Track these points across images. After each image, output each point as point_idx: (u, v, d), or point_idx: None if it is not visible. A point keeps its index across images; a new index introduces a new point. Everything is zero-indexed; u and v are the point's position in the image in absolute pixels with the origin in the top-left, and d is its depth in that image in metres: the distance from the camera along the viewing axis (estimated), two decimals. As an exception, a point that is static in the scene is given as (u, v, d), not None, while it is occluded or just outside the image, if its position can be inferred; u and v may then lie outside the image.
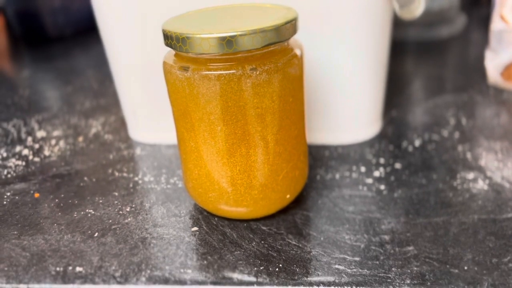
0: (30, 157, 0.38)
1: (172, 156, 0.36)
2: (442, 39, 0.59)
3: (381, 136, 0.37)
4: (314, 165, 0.34)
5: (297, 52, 0.26)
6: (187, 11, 0.28)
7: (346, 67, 0.33)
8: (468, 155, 0.33)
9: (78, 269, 0.26)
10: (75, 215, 0.30)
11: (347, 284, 0.23)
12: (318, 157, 0.34)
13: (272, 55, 0.24)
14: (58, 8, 0.72)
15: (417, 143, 0.35)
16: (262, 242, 0.26)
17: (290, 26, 0.24)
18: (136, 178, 0.34)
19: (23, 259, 0.27)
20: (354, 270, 0.24)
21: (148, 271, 0.25)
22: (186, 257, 0.26)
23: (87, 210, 0.31)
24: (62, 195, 0.32)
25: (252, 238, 0.27)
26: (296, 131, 0.27)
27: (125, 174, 0.34)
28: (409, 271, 0.24)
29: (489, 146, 0.34)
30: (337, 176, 0.32)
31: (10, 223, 0.30)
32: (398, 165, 0.33)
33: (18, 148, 0.39)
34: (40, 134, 0.42)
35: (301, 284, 0.23)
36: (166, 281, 0.24)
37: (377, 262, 0.24)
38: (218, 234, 0.27)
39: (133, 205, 0.31)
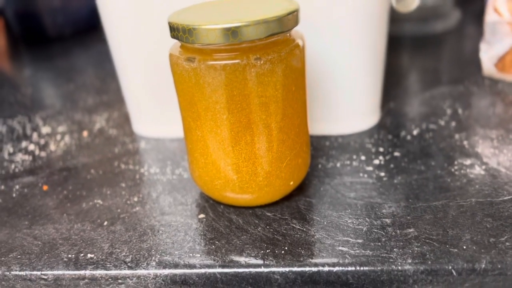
0: (37, 152, 0.39)
1: (176, 149, 0.37)
2: (437, 33, 0.60)
3: (380, 126, 0.38)
4: (315, 155, 0.34)
5: (299, 42, 0.27)
6: (190, 5, 0.29)
7: (346, 60, 0.34)
8: (465, 143, 0.34)
9: (89, 255, 0.26)
10: (84, 205, 0.31)
11: (351, 264, 0.24)
12: (319, 147, 0.35)
13: (275, 45, 0.25)
14: (57, 8, 0.73)
15: (415, 132, 0.36)
16: (268, 227, 0.27)
17: (292, 17, 0.25)
18: (142, 170, 0.34)
19: (35, 247, 0.27)
20: (357, 251, 0.25)
21: (158, 256, 0.26)
22: (194, 243, 0.27)
23: (95, 201, 0.31)
24: (70, 187, 0.33)
25: (258, 224, 0.28)
26: (299, 120, 0.28)
27: (131, 167, 0.35)
28: (410, 251, 0.25)
29: (485, 134, 0.35)
30: (338, 164, 0.33)
31: (21, 214, 0.31)
32: (397, 153, 0.34)
33: (24, 144, 0.40)
34: (45, 130, 0.43)
35: (307, 265, 0.24)
36: (175, 265, 0.25)
37: (379, 244, 0.25)
38: (224, 221, 0.28)
39: (140, 195, 0.31)
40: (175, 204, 0.30)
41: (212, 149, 0.27)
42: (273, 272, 0.24)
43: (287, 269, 0.24)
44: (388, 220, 0.27)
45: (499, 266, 0.23)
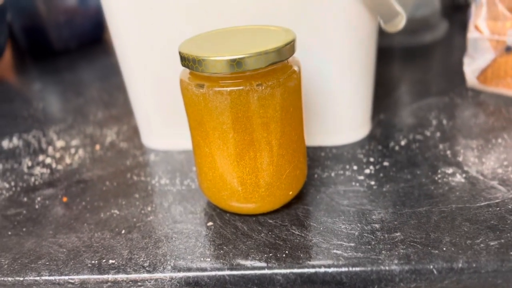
0: (54, 165, 0.42)
1: (183, 161, 0.40)
2: (425, 44, 0.64)
3: (371, 137, 0.41)
4: (312, 165, 0.38)
5: (296, 68, 0.30)
6: (197, 34, 0.32)
7: (338, 77, 0.37)
8: (448, 152, 0.38)
9: (110, 261, 0.29)
10: (102, 215, 0.34)
11: (344, 265, 0.27)
12: (315, 158, 0.39)
13: (275, 72, 0.29)
14: (63, 22, 0.76)
15: (403, 142, 0.40)
16: (270, 233, 0.31)
17: (289, 47, 0.28)
18: (153, 181, 0.38)
19: (61, 254, 0.31)
20: (350, 254, 0.28)
21: (173, 261, 0.29)
22: (204, 248, 0.30)
23: (112, 211, 0.34)
24: (88, 199, 0.36)
25: (261, 230, 0.31)
26: (296, 136, 0.31)
27: (142, 178, 0.38)
28: (396, 253, 0.28)
29: (467, 144, 0.38)
30: (333, 174, 0.36)
31: (45, 224, 0.34)
32: (386, 163, 0.37)
33: (41, 157, 0.43)
34: (60, 143, 0.46)
35: (305, 267, 0.28)
36: (189, 269, 0.28)
37: (369, 247, 0.29)
38: (231, 228, 0.31)
39: (153, 205, 0.35)
40: (185, 213, 0.33)
41: (219, 164, 0.30)
42: (276, 274, 0.28)
43: (288, 270, 0.28)
44: (377, 225, 0.30)
45: (474, 265, 0.27)
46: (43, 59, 0.76)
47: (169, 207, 0.34)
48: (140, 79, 0.39)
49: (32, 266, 0.30)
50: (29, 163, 0.42)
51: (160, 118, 0.41)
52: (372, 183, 0.35)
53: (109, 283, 0.28)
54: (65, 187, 0.38)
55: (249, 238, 0.30)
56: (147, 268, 0.29)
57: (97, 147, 0.44)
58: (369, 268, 0.27)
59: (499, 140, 0.38)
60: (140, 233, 0.32)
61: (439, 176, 0.35)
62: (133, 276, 0.28)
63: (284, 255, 0.28)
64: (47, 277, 0.29)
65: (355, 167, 0.37)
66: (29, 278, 0.29)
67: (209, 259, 0.29)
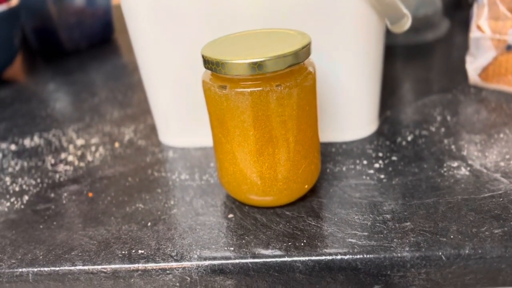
0: (76, 163, 0.44)
1: (201, 157, 0.42)
2: (428, 42, 0.66)
3: (379, 134, 0.43)
4: (324, 160, 0.40)
5: (311, 69, 0.32)
6: (218, 38, 0.34)
7: (348, 77, 0.39)
8: (453, 147, 0.40)
9: (140, 251, 0.32)
10: (128, 209, 0.36)
11: (359, 252, 0.29)
12: (327, 153, 0.41)
13: (292, 73, 0.31)
14: (73, 23, 0.78)
15: (409, 138, 0.42)
16: (288, 224, 0.33)
17: (305, 50, 0.30)
18: (173, 177, 0.40)
19: (92, 246, 0.33)
20: (364, 242, 0.30)
21: (198, 250, 0.31)
22: (227, 238, 0.32)
23: (137, 205, 0.36)
24: (113, 194, 0.38)
25: (279, 221, 0.33)
26: (312, 133, 0.33)
27: (163, 174, 0.40)
28: (407, 241, 0.30)
29: (470, 138, 0.41)
30: (344, 168, 0.38)
31: (73, 218, 0.36)
32: (394, 158, 0.39)
33: (63, 155, 0.45)
34: (80, 142, 0.48)
35: (323, 254, 0.30)
36: (214, 258, 0.30)
37: (382, 235, 0.31)
38: (250, 219, 0.33)
39: (176, 199, 0.37)
40: (206, 206, 0.35)
41: (240, 160, 0.32)
42: (295, 261, 0.30)
43: (307, 258, 0.30)
44: (388, 216, 0.32)
45: (479, 252, 0.29)
46: (54, 59, 0.78)
47: (191, 201, 0.36)
48: (159, 80, 0.41)
49: (66, 257, 0.32)
50: (52, 161, 0.44)
51: (178, 117, 0.43)
52: (382, 176, 0.37)
53: (139, 272, 0.30)
54: (89, 183, 0.40)
55: (268, 229, 0.32)
56: (174, 257, 0.31)
57: (116, 144, 0.46)
58: (382, 255, 0.29)
59: (501, 135, 0.40)
60: (166, 225, 0.34)
61: (444, 169, 0.37)
62: (162, 264, 0.30)
63: (302, 244, 0.31)
64: (81, 267, 0.31)
65: (365, 162, 0.39)
66: (64, 268, 0.31)
67: (232, 248, 0.31)
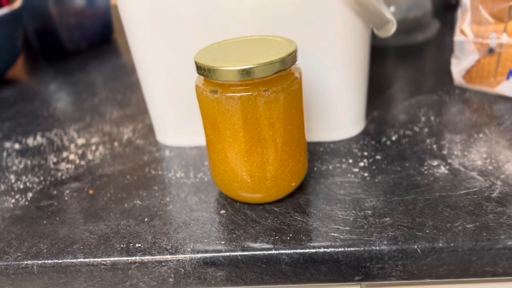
0: (77, 161, 0.46)
1: (196, 156, 0.44)
2: (418, 43, 0.68)
3: (365, 133, 0.45)
4: (312, 159, 0.42)
5: (297, 75, 0.34)
6: (210, 44, 0.36)
7: (335, 79, 0.42)
8: (434, 146, 0.42)
9: (137, 245, 0.34)
10: (126, 205, 0.38)
11: (340, 246, 0.32)
12: (315, 152, 0.43)
13: (279, 79, 0.33)
14: (73, 24, 0.80)
15: (394, 138, 0.44)
16: (276, 219, 0.35)
17: (292, 57, 0.32)
18: (169, 175, 0.42)
19: (92, 240, 0.35)
20: (346, 236, 0.32)
21: (192, 244, 0.33)
22: (219, 232, 0.34)
23: (135, 202, 0.39)
24: (112, 191, 0.41)
25: (268, 217, 0.35)
26: (298, 134, 0.35)
27: (160, 172, 0.42)
28: (386, 235, 0.32)
29: (451, 138, 0.43)
30: (330, 167, 0.41)
31: (75, 214, 0.38)
32: (378, 157, 0.41)
33: (65, 154, 0.47)
34: (80, 141, 0.50)
35: (307, 248, 0.32)
36: (206, 251, 0.33)
37: (362, 230, 0.33)
38: (241, 215, 0.36)
39: (171, 196, 0.39)
40: (200, 202, 0.38)
41: (231, 159, 0.34)
42: (281, 254, 0.32)
43: (292, 251, 0.32)
44: (369, 212, 0.35)
45: (452, 245, 0.31)
46: (55, 60, 0.80)
47: (186, 198, 0.38)
48: (156, 83, 0.44)
49: (68, 250, 0.34)
50: (54, 159, 0.47)
51: (174, 117, 0.45)
52: (366, 174, 0.39)
53: (136, 264, 0.33)
54: (89, 181, 0.42)
55: (257, 224, 0.35)
56: (169, 251, 0.33)
57: (116, 144, 0.48)
58: (362, 248, 0.31)
59: (481, 135, 0.42)
60: (161, 220, 0.36)
61: (425, 168, 0.39)
62: (158, 257, 0.33)
63: (288, 238, 0.33)
64: (82, 259, 0.33)
65: (350, 161, 0.41)
66: (67, 260, 0.33)
67: (223, 242, 0.33)
